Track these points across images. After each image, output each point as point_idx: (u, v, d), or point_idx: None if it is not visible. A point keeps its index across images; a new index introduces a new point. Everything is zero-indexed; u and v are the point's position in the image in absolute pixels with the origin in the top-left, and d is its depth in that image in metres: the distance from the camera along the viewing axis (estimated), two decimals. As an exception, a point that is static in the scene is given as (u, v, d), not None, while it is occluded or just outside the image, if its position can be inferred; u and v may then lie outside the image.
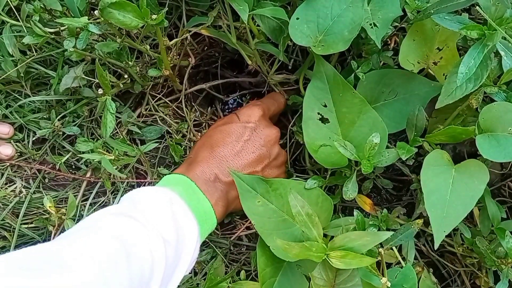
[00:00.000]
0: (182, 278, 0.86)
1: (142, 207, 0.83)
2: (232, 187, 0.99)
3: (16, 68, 1.02)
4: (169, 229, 0.82)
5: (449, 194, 0.81)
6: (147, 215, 0.81)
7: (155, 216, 0.82)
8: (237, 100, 1.31)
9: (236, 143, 1.00)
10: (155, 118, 1.17)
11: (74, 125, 1.10)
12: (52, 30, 0.96)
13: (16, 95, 1.10)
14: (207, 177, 0.97)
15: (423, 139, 0.93)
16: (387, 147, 0.93)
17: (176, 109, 1.20)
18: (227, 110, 1.31)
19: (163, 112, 1.17)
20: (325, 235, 0.89)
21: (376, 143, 0.88)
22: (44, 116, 1.10)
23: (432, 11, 0.84)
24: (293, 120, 1.14)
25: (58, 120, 1.08)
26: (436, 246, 0.79)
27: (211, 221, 0.95)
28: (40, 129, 1.08)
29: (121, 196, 1.08)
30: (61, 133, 1.10)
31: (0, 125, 1.09)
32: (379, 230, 0.93)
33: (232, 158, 0.99)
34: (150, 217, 0.81)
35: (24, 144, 1.11)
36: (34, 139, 1.11)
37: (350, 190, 0.93)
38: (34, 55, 1.04)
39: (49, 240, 1.06)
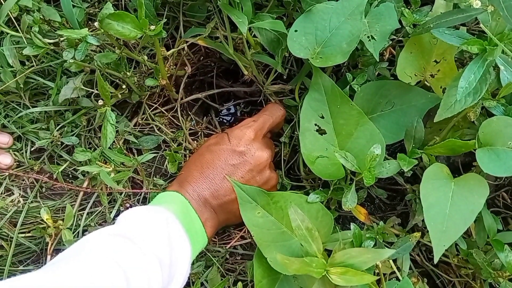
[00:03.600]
0: None
1: (139, 229, 0.84)
2: (222, 210, 1.00)
3: (16, 79, 1.02)
4: (165, 251, 0.83)
5: (448, 208, 0.81)
6: (144, 237, 0.82)
7: (152, 238, 0.82)
8: (233, 109, 1.31)
9: (225, 166, 1.00)
10: (152, 127, 1.17)
11: (72, 135, 1.10)
12: (51, 41, 0.96)
13: (14, 105, 1.10)
14: (198, 197, 0.98)
15: (421, 151, 0.93)
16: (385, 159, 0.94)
17: (172, 118, 1.20)
18: (222, 117, 1.32)
19: (159, 122, 1.16)
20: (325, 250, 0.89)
21: (377, 155, 0.88)
22: (43, 127, 1.10)
23: (431, 26, 0.84)
24: (286, 130, 1.14)
25: (57, 130, 1.08)
26: (436, 260, 0.79)
27: (203, 240, 0.96)
28: (39, 140, 1.08)
29: (118, 207, 1.08)
30: (59, 143, 1.10)
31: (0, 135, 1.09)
32: (376, 243, 0.93)
33: (221, 181, 0.99)
34: (147, 239, 0.81)
35: (22, 153, 1.10)
36: (32, 149, 1.11)
37: (349, 201, 0.92)
38: (33, 66, 1.04)
39: (45, 249, 1.06)
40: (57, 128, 1.09)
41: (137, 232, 0.82)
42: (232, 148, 1.01)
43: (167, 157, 1.10)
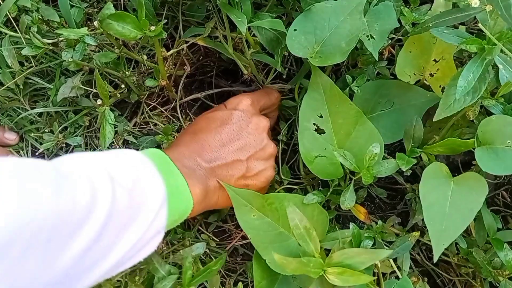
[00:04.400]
0: (145, 244, 0.76)
1: (99, 153, 0.76)
2: (212, 175, 0.92)
3: (15, 80, 1.02)
4: (122, 173, 0.73)
5: (448, 207, 0.81)
6: (99, 157, 0.75)
7: (107, 159, 0.75)
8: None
9: (220, 128, 0.95)
10: (151, 127, 1.16)
11: (75, 136, 1.10)
12: (50, 41, 0.96)
13: (14, 106, 1.10)
14: (186, 159, 0.90)
15: (420, 150, 0.93)
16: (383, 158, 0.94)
17: (172, 118, 1.19)
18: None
19: (157, 120, 1.16)
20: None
21: (376, 154, 0.88)
22: (46, 130, 1.10)
23: (430, 25, 0.84)
24: (283, 128, 1.14)
25: (60, 132, 1.09)
26: (435, 260, 0.79)
27: (186, 198, 0.84)
28: (40, 142, 1.08)
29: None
30: (64, 145, 1.10)
31: (7, 132, 1.11)
32: (374, 242, 0.93)
33: (215, 144, 0.94)
34: (100, 158, 0.74)
35: (24, 153, 1.11)
36: (37, 153, 1.12)
37: (347, 200, 0.92)
38: (32, 67, 1.04)
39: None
40: (59, 129, 1.09)
41: (94, 153, 0.76)
42: (229, 111, 0.98)
43: (162, 143, 1.09)
